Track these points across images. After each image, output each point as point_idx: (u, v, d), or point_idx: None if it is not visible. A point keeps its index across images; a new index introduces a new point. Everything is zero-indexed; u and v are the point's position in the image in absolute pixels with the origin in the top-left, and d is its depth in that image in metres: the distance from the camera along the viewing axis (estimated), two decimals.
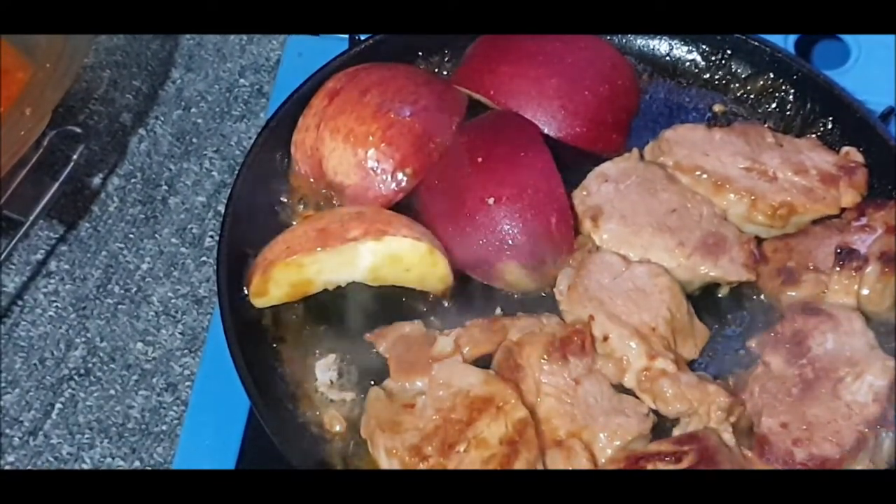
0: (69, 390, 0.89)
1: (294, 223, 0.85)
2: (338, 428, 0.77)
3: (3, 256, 0.92)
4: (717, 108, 0.94)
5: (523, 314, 0.81)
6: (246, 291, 0.80)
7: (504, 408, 0.73)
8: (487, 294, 0.82)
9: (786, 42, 0.97)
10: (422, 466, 0.71)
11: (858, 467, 0.72)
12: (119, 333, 0.92)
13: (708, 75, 0.95)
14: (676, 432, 0.76)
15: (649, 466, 0.71)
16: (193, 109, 1.05)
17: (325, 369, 0.79)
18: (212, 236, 0.97)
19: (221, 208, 0.89)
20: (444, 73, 0.94)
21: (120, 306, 0.94)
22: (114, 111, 1.05)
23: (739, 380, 0.78)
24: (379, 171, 0.84)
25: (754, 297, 0.83)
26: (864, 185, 0.85)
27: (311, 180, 0.87)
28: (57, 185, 0.94)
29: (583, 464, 0.72)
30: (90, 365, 0.90)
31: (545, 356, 0.77)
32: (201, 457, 0.83)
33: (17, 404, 0.88)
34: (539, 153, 0.82)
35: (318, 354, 0.80)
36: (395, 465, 0.72)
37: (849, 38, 1.01)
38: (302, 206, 0.87)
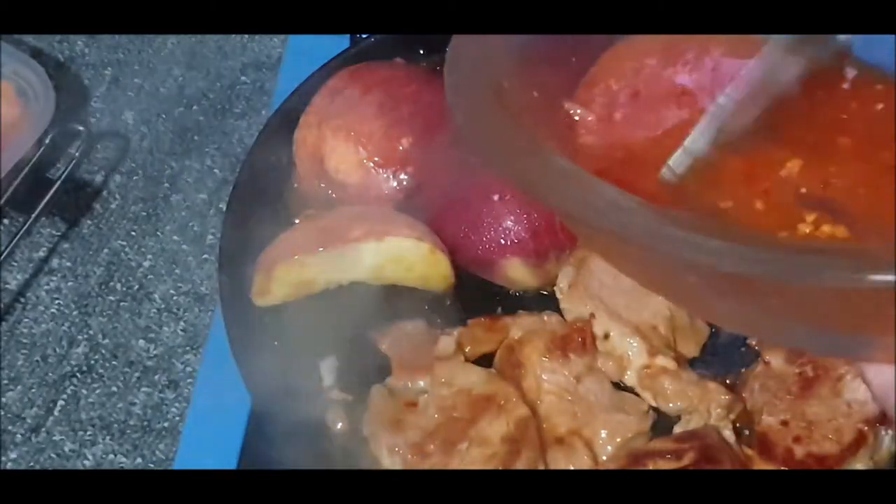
0: (71, 387, 0.89)
1: (296, 222, 0.85)
2: (339, 426, 0.77)
3: (4, 254, 0.92)
4: None
5: (524, 313, 0.81)
6: (247, 290, 0.81)
7: (505, 406, 0.74)
8: (489, 293, 0.82)
9: None
10: (424, 464, 0.71)
11: (858, 465, 0.72)
12: (121, 330, 0.92)
13: None
14: (678, 430, 0.76)
15: (650, 464, 0.71)
16: (195, 107, 1.06)
17: (326, 368, 0.79)
18: (213, 234, 0.97)
19: (223, 206, 0.89)
20: None
21: (122, 303, 0.94)
22: (115, 109, 1.06)
23: (740, 378, 0.78)
24: (381, 169, 0.84)
25: None
26: None
27: (313, 179, 0.87)
28: (58, 182, 0.94)
29: (583, 461, 0.73)
30: (92, 362, 0.91)
31: (546, 354, 0.77)
32: (203, 454, 0.83)
33: (20, 401, 0.89)
34: None
35: (320, 353, 0.80)
36: (397, 462, 0.73)
37: None
38: (304, 205, 0.87)
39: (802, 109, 0.72)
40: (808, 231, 0.64)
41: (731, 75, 0.75)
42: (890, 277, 0.51)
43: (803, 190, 0.67)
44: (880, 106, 0.72)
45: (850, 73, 0.74)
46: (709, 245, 0.55)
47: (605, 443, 0.74)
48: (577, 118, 0.72)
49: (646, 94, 0.75)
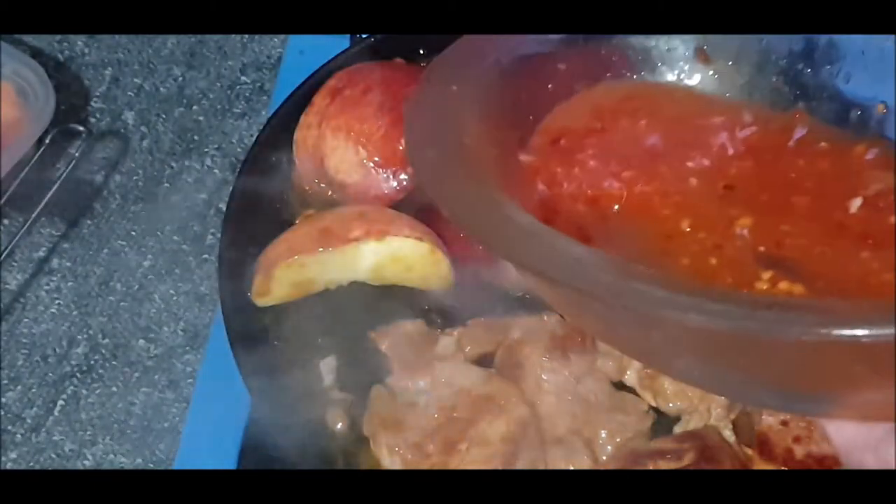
0: (71, 387, 0.89)
1: (296, 222, 0.85)
2: (339, 426, 0.77)
3: (4, 254, 0.92)
4: None
5: (524, 313, 0.81)
6: (247, 290, 0.80)
7: (505, 406, 0.74)
8: (489, 293, 0.82)
9: None
10: (424, 464, 0.71)
11: None
12: (121, 331, 0.92)
13: None
14: (678, 430, 0.76)
15: (650, 464, 0.71)
16: (195, 107, 1.06)
17: (326, 368, 0.79)
18: (213, 234, 0.97)
19: (223, 206, 0.89)
20: None
21: (122, 303, 0.94)
22: (115, 109, 1.06)
23: None
24: (380, 169, 0.84)
25: None
26: None
27: (313, 179, 0.87)
28: (59, 182, 0.94)
29: (583, 461, 0.73)
30: (92, 362, 0.91)
31: (546, 354, 0.77)
32: (203, 454, 0.83)
33: (20, 401, 0.89)
34: None
35: (320, 353, 0.80)
36: (397, 462, 0.73)
37: None
38: (304, 205, 0.87)
39: (751, 168, 0.74)
40: (765, 288, 0.65)
41: (679, 131, 0.76)
42: (854, 332, 0.51)
43: (762, 248, 0.68)
44: (825, 164, 0.73)
45: (800, 132, 0.76)
46: (673, 300, 0.55)
47: (605, 443, 0.74)
48: (533, 173, 0.74)
49: (598, 146, 0.77)
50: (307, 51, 1.03)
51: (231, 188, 0.86)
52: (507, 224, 0.62)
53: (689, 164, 0.74)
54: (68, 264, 0.96)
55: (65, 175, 0.95)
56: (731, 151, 0.75)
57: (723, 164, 0.74)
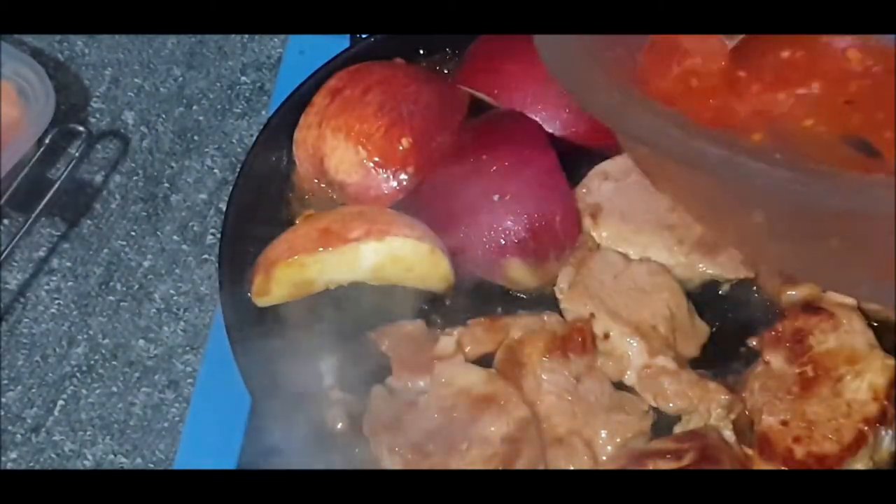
0: (71, 387, 0.89)
1: (296, 222, 0.85)
2: (339, 426, 0.77)
3: (4, 254, 0.92)
4: None
5: (524, 313, 0.81)
6: (247, 290, 0.81)
7: (506, 406, 0.74)
8: (489, 293, 0.82)
9: None
10: (424, 464, 0.71)
11: (858, 465, 0.72)
12: (121, 331, 0.92)
13: None
14: (678, 430, 0.76)
15: (650, 464, 0.71)
16: (195, 107, 1.06)
17: (326, 368, 0.79)
18: (213, 234, 0.97)
19: (223, 206, 0.89)
20: (446, 71, 0.94)
21: (122, 303, 0.94)
22: (115, 109, 1.06)
23: (740, 378, 0.78)
24: (380, 169, 0.84)
25: (754, 294, 0.83)
26: None
27: (313, 179, 0.87)
28: (59, 182, 0.94)
29: (583, 461, 0.73)
30: (92, 362, 0.91)
31: (546, 354, 0.77)
32: (203, 454, 0.83)
33: (20, 401, 0.89)
34: (543, 151, 0.82)
35: (320, 353, 0.80)
36: (397, 463, 0.73)
37: None
38: (304, 205, 0.87)
39: (870, 87, 0.74)
40: None
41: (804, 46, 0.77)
42: None
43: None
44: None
45: None
46: (784, 175, 0.56)
47: (605, 443, 0.74)
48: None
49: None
50: (307, 51, 1.03)
51: (231, 188, 0.86)
52: (625, 98, 0.63)
53: (814, 75, 0.74)
54: (68, 264, 0.96)
55: (65, 175, 0.95)
56: (852, 69, 0.76)
57: (845, 78, 0.75)
